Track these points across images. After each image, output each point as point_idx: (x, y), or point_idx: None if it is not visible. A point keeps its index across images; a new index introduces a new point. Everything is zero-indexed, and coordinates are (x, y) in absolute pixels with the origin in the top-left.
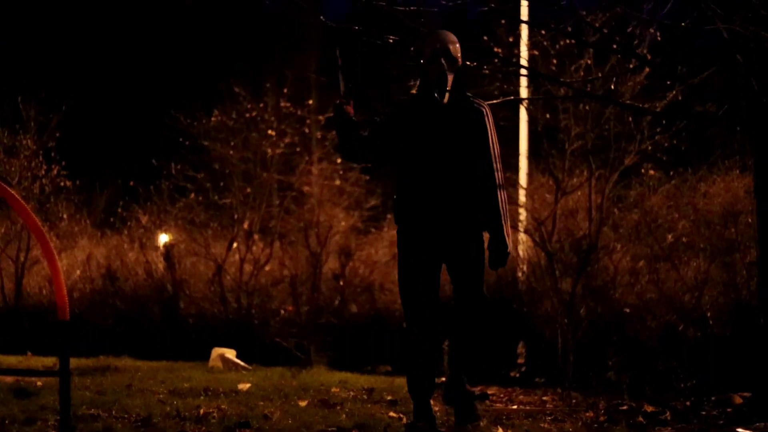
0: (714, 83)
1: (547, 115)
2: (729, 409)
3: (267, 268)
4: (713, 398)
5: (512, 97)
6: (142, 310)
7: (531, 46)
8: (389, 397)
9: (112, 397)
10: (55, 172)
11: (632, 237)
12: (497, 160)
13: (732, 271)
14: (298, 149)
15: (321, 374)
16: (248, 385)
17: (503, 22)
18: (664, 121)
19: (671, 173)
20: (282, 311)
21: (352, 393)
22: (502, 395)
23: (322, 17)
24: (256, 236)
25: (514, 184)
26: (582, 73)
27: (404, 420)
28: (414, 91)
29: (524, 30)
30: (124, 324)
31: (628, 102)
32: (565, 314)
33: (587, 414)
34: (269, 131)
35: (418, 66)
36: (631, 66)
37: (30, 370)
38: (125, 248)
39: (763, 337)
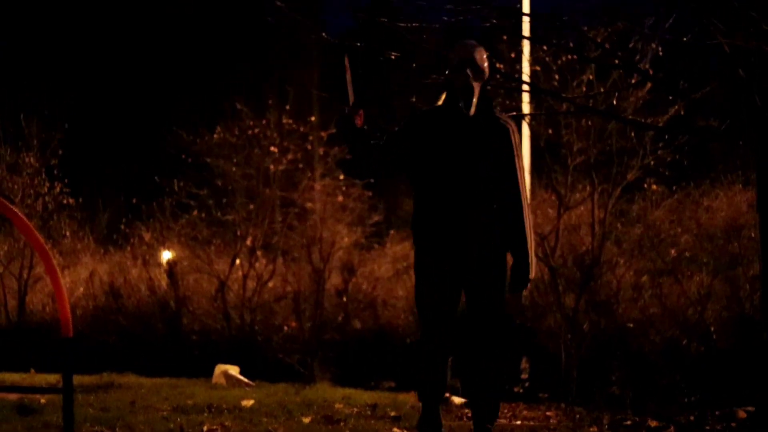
0: (716, 98)
1: (550, 131)
2: (733, 424)
3: (270, 284)
4: (717, 413)
5: (514, 113)
6: (145, 326)
7: (533, 62)
8: (393, 413)
9: (115, 414)
10: (57, 189)
11: (635, 252)
12: (522, 179)
13: (735, 285)
14: (300, 165)
15: (324, 390)
16: (252, 402)
17: (505, 38)
18: (666, 136)
19: (674, 188)
20: (285, 327)
21: (355, 409)
22: (505, 411)
23: (324, 34)
24: (259, 252)
25: None
26: (584, 89)
27: None
28: (440, 102)
29: (526, 46)
30: (128, 341)
31: (630, 117)
32: (568, 329)
33: (591, 429)
34: (272, 147)
35: (423, 78)
36: (633, 81)
37: (33, 387)
38: (128, 265)
39: (767, 351)
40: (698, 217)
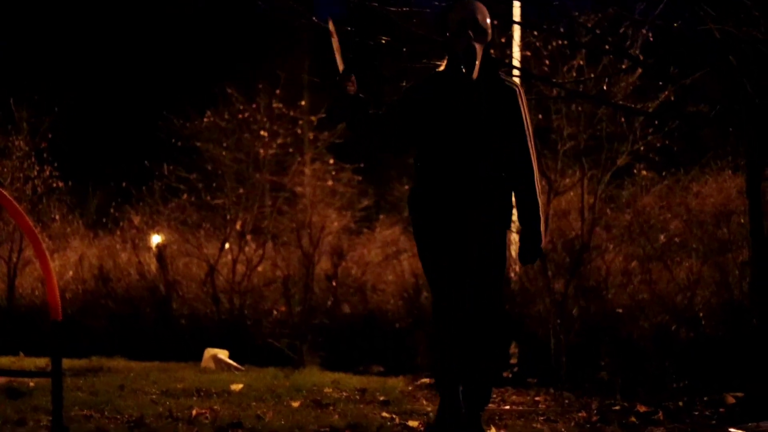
0: (706, 84)
1: (540, 116)
2: (722, 409)
3: (259, 268)
4: (706, 398)
5: None
6: (134, 310)
7: (523, 47)
8: (382, 398)
9: (104, 397)
10: (47, 173)
11: (625, 237)
12: (533, 144)
13: (724, 271)
14: (290, 150)
15: (313, 375)
16: (241, 386)
17: (495, 22)
18: (656, 122)
19: (663, 173)
20: (274, 312)
21: (344, 393)
22: (494, 395)
23: (314, 18)
24: (248, 237)
25: None
26: (574, 74)
27: (397, 420)
28: (441, 68)
29: (516, 31)
30: (117, 325)
31: (620, 102)
32: (557, 314)
33: (580, 414)
34: (262, 132)
35: (414, 64)
36: (623, 66)
37: (22, 371)
38: (118, 249)
39: (756, 337)
40: (688, 203)
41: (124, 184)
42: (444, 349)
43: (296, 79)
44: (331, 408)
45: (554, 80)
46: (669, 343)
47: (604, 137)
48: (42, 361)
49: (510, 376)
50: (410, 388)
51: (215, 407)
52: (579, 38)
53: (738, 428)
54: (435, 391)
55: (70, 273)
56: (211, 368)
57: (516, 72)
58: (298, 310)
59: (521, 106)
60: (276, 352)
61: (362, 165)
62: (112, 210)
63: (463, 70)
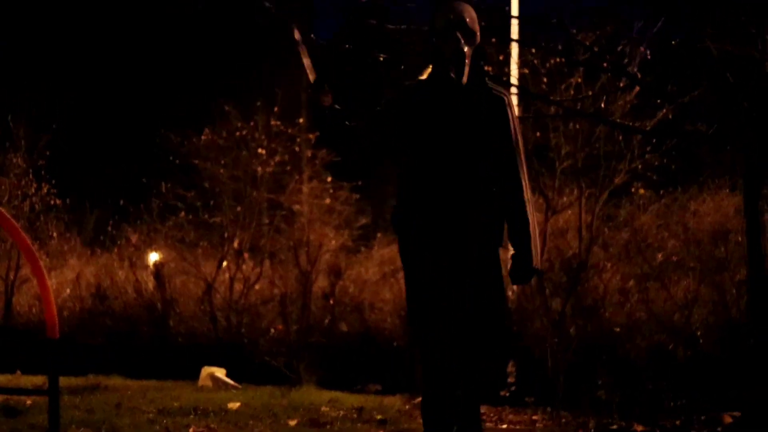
0: (704, 102)
1: (537, 134)
2: (719, 429)
3: (257, 286)
4: (703, 417)
5: None
6: (131, 328)
7: (521, 65)
8: (379, 417)
9: (101, 416)
10: (45, 190)
11: (622, 256)
12: (522, 157)
13: (722, 290)
14: (288, 168)
15: (311, 393)
16: (238, 404)
17: (494, 40)
18: (654, 140)
19: (661, 192)
20: (272, 330)
21: (341, 412)
22: (491, 414)
23: (312, 35)
24: (246, 255)
25: None
26: (572, 92)
27: None
28: (425, 75)
29: (514, 48)
30: (114, 342)
31: (618, 121)
32: (554, 333)
33: None
34: (259, 150)
35: (412, 81)
36: (621, 84)
37: (19, 389)
38: (115, 267)
39: (753, 356)
40: (685, 222)
41: (121, 202)
42: (432, 382)
43: (294, 96)
44: (328, 427)
45: (552, 98)
46: (666, 361)
47: (602, 155)
48: (39, 379)
49: (507, 395)
50: (408, 407)
51: (212, 426)
52: (577, 56)
53: None
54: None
55: (68, 291)
56: (208, 386)
57: (514, 90)
58: (295, 329)
59: (510, 115)
60: (273, 370)
61: (360, 183)
62: (109, 228)
63: (452, 75)
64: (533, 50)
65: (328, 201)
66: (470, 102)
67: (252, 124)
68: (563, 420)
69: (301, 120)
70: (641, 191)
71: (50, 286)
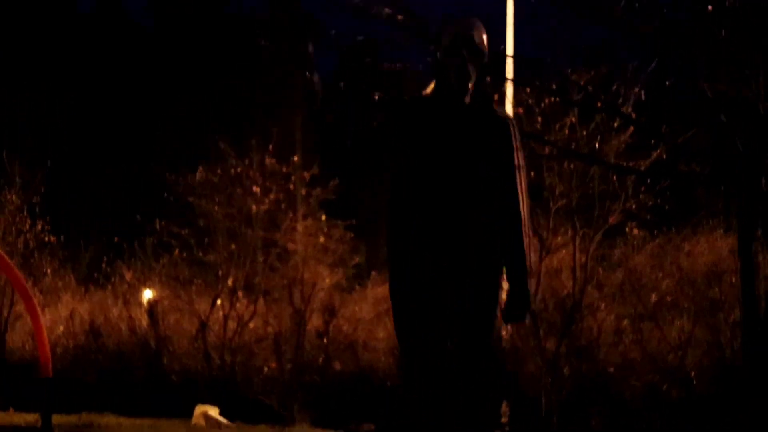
0: (698, 143)
1: (532, 174)
2: None
3: (251, 325)
4: None
5: None
6: (125, 366)
7: (516, 104)
8: None
9: None
10: (39, 227)
11: (616, 296)
12: (524, 187)
13: (716, 330)
14: (282, 206)
15: None
16: None
17: (488, 79)
18: (648, 180)
19: (655, 232)
20: (265, 368)
21: None
22: None
23: (307, 73)
24: (240, 293)
25: None
26: (566, 132)
27: None
28: (428, 91)
29: (509, 88)
30: (108, 380)
31: (612, 161)
32: (549, 373)
33: None
34: (254, 188)
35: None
36: (615, 125)
37: (12, 426)
38: (109, 304)
39: (748, 396)
40: (679, 263)
41: (116, 240)
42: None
43: (289, 134)
44: None
45: (546, 138)
46: (660, 402)
47: (596, 195)
48: (32, 417)
49: None
50: None
51: None
52: (571, 96)
53: None
54: None
55: (61, 328)
56: (201, 425)
57: None
58: (288, 367)
59: (514, 141)
60: (267, 408)
61: (354, 222)
62: (104, 265)
63: (455, 94)
64: (528, 90)
65: (322, 239)
66: (471, 124)
67: (247, 162)
68: None
69: (295, 158)
70: (635, 231)
71: (44, 324)
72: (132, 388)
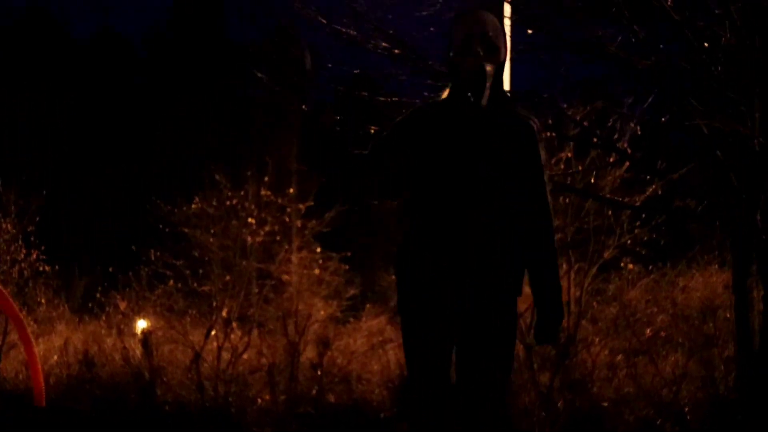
0: (693, 178)
1: None
2: None
3: (245, 356)
4: None
5: None
6: (119, 396)
7: None
8: None
9: None
10: (34, 256)
11: (611, 331)
12: (550, 195)
13: (710, 366)
14: (278, 237)
15: None
16: None
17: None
18: (643, 215)
19: (650, 267)
20: (259, 400)
21: None
22: None
23: (304, 107)
24: (234, 324)
25: None
26: (562, 166)
27: None
28: (444, 95)
29: None
30: (101, 410)
31: (607, 196)
32: (542, 407)
33: None
34: (249, 219)
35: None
36: (611, 160)
37: None
38: (103, 334)
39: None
40: (674, 297)
41: (110, 269)
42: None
43: (285, 165)
44: None
45: None
46: None
47: (592, 230)
48: None
49: None
50: None
51: None
52: (567, 131)
53: None
54: None
55: (55, 357)
56: None
57: None
58: (282, 399)
59: (538, 144)
60: None
61: (349, 254)
62: (98, 295)
63: (470, 97)
64: None
65: (317, 271)
66: (491, 128)
67: (242, 193)
68: None
69: (291, 190)
70: (630, 266)
71: (37, 354)
72: (125, 418)
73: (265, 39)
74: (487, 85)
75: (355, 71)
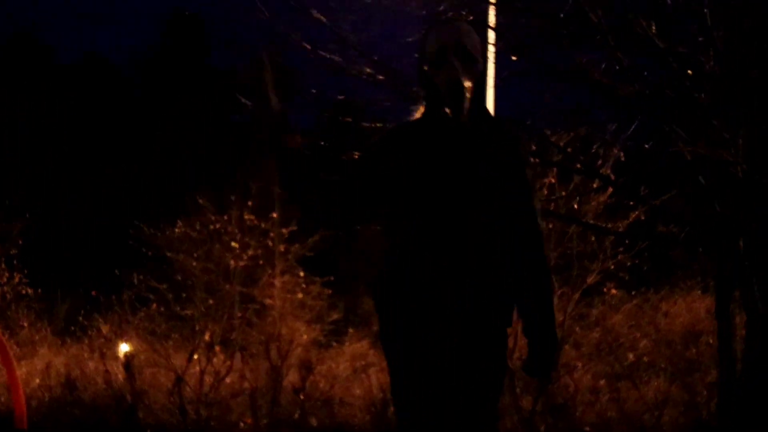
0: (676, 204)
1: None
2: None
3: (227, 380)
4: None
5: None
6: (100, 419)
7: None
8: None
9: None
10: (16, 279)
11: (593, 355)
12: (540, 214)
13: (692, 391)
14: (261, 262)
15: None
16: None
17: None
18: (626, 241)
19: (633, 293)
20: (241, 423)
21: None
22: None
23: (287, 133)
24: (217, 348)
25: None
26: (546, 192)
27: None
28: (418, 114)
29: None
30: None
31: (591, 221)
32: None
33: None
34: (232, 243)
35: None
36: (594, 185)
37: None
38: (85, 357)
39: None
40: (657, 323)
41: (93, 293)
42: None
43: (268, 190)
44: None
45: None
46: None
47: (575, 255)
48: None
49: None
50: None
51: None
52: (551, 157)
53: None
54: None
55: (37, 380)
56: None
57: None
58: (265, 423)
59: (524, 159)
60: None
61: (332, 278)
62: (80, 318)
63: (448, 112)
64: None
65: (300, 295)
66: (473, 145)
67: (226, 217)
68: None
69: (274, 215)
70: (613, 291)
71: (19, 377)
72: None
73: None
74: (467, 98)
75: (340, 97)
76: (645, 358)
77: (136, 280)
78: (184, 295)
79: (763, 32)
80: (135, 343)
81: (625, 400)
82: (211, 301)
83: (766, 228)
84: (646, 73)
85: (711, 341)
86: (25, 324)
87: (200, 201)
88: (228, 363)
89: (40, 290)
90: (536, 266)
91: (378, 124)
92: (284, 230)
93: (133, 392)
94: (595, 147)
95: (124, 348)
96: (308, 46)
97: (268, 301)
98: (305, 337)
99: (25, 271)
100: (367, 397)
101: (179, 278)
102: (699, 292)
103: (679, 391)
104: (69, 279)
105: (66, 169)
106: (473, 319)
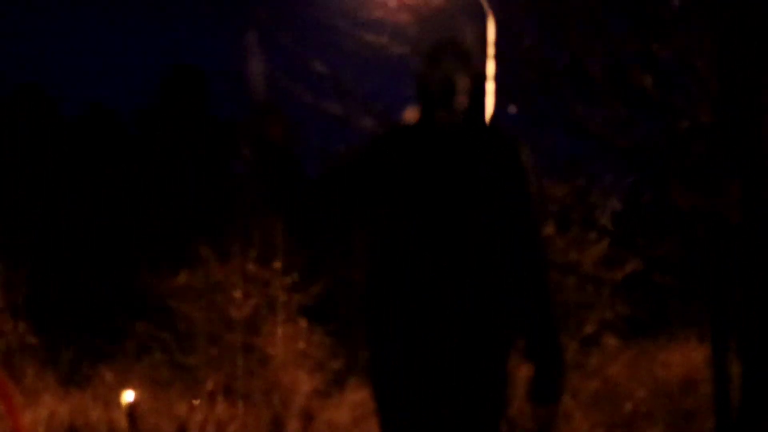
0: (673, 255)
1: None
2: None
3: (230, 428)
4: None
5: None
6: None
7: None
8: None
9: None
10: (21, 329)
11: (591, 405)
12: (541, 228)
13: None
14: (263, 311)
15: None
16: None
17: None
18: (623, 290)
19: (630, 342)
20: None
21: None
22: None
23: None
24: (219, 397)
25: None
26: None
27: None
28: (407, 118)
29: None
30: None
31: (588, 272)
32: None
33: None
34: (235, 293)
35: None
36: (591, 236)
37: None
38: (89, 406)
39: None
40: (654, 372)
41: (97, 342)
42: None
43: (270, 240)
44: None
45: None
46: None
47: (572, 305)
48: None
49: None
50: None
51: None
52: (548, 208)
53: None
54: None
55: (41, 430)
56: None
57: None
58: None
59: (526, 169)
60: None
61: (332, 326)
62: (84, 367)
63: (441, 115)
64: None
65: (302, 345)
66: (468, 150)
67: (228, 267)
68: None
69: (277, 264)
70: (611, 340)
71: (23, 426)
72: None
73: (246, 116)
74: (460, 99)
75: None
76: (643, 408)
77: (139, 329)
78: (187, 344)
79: (755, 86)
80: (138, 391)
81: None
82: (213, 350)
83: (761, 277)
84: (642, 125)
85: (708, 390)
86: (30, 372)
87: (202, 252)
88: (230, 412)
89: (44, 339)
90: (538, 289)
91: None
92: (287, 280)
93: None
94: (592, 198)
95: (127, 396)
96: (310, 99)
97: (270, 350)
98: (307, 386)
99: (30, 321)
100: None
101: (182, 327)
102: (695, 341)
103: None
104: (74, 325)
105: (69, 218)
106: (473, 319)
